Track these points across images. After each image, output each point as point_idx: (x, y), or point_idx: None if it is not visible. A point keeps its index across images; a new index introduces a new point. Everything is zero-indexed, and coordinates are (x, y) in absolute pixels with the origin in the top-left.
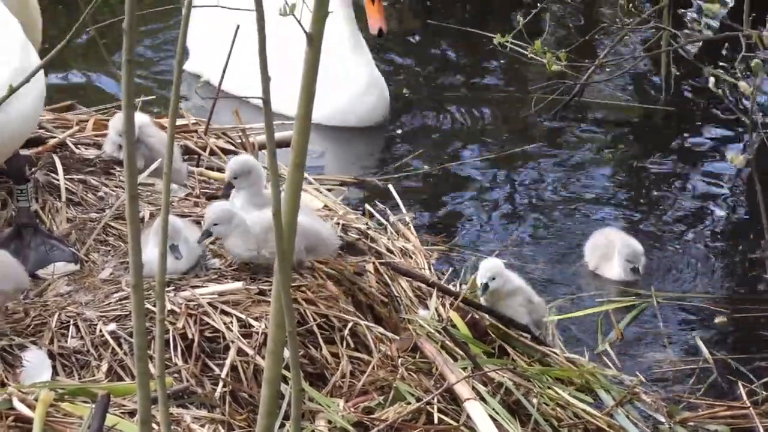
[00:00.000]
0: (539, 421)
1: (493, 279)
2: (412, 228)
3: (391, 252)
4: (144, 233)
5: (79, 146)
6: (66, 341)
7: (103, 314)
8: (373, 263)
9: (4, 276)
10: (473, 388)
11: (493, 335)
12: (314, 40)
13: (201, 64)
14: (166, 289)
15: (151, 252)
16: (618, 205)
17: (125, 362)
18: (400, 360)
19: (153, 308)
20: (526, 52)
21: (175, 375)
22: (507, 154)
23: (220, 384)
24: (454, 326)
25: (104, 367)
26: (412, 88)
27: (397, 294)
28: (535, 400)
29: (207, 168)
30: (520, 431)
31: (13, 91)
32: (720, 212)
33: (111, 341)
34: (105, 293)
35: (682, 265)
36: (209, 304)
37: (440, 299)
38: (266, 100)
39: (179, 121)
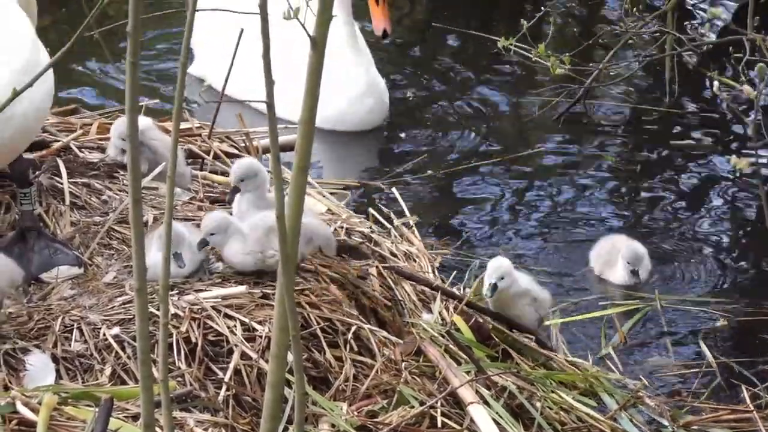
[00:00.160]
0: (542, 425)
1: (502, 279)
2: (415, 231)
3: (395, 255)
4: (147, 237)
5: (83, 150)
6: (69, 345)
7: (107, 318)
8: (377, 267)
9: None
10: (477, 391)
11: (496, 339)
12: (318, 43)
13: (205, 67)
14: (170, 292)
15: (154, 256)
16: (622, 208)
17: (128, 366)
18: (403, 364)
19: (156, 312)
20: (530, 56)
21: (179, 379)
22: (511, 158)
23: (224, 388)
24: (457, 330)
25: (107, 370)
26: (416, 92)
27: (400, 298)
28: (538, 404)
29: (211, 172)
30: None
31: (17, 94)
32: (724, 216)
33: (114, 345)
34: (109, 297)
35: (686, 269)
36: (213, 307)
37: (444, 303)
38: (270, 104)
39: (183, 125)
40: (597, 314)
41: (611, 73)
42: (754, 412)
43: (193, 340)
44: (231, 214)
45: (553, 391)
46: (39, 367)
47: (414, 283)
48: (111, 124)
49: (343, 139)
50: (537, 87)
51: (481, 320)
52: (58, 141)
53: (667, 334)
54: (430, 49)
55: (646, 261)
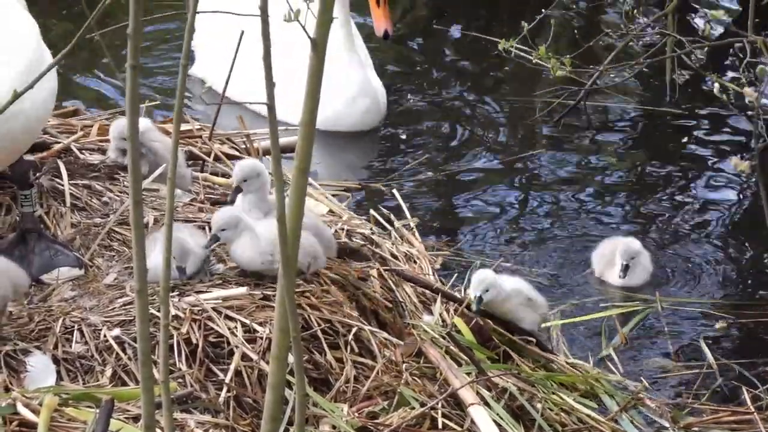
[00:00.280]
0: (543, 427)
1: (487, 291)
2: (416, 233)
3: (396, 257)
4: (148, 239)
5: (83, 151)
6: (70, 346)
7: (108, 319)
8: (378, 269)
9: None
10: (477, 393)
11: (497, 341)
12: (319, 45)
13: (205, 69)
14: (171, 294)
15: (156, 258)
16: (622, 209)
17: (129, 367)
18: (404, 365)
19: (157, 313)
20: (530, 58)
21: (179, 380)
22: (512, 159)
23: (224, 389)
24: (458, 331)
25: (108, 372)
26: (417, 93)
27: (401, 299)
28: (539, 406)
29: (211, 173)
30: None
31: (17, 96)
32: (725, 217)
33: (115, 346)
34: (109, 298)
35: (687, 270)
36: (213, 309)
37: (444, 304)
38: (271, 106)
39: (183, 127)
40: (598, 316)
41: (611, 75)
42: (755, 413)
43: (194, 341)
44: None
45: (553, 393)
46: (40, 369)
47: (415, 285)
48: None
49: (341, 141)
50: (538, 89)
51: (482, 322)
52: (59, 143)
53: (667, 335)
54: (431, 51)
55: (643, 260)
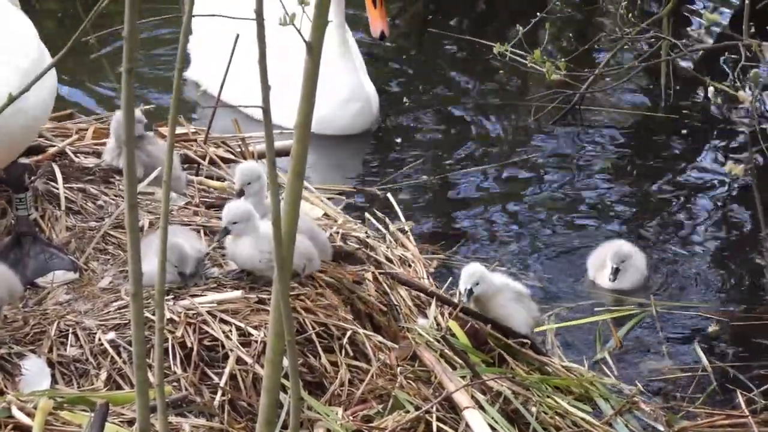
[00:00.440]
0: (538, 430)
1: (477, 284)
2: (411, 237)
3: (390, 261)
4: (143, 242)
5: (78, 155)
6: (65, 350)
7: (103, 323)
8: (372, 272)
9: None
10: (472, 396)
11: (492, 344)
12: (314, 48)
13: (200, 72)
14: (165, 297)
15: (150, 262)
16: (617, 213)
17: (124, 371)
18: (399, 369)
19: (152, 317)
20: (525, 62)
21: (174, 384)
22: (507, 163)
23: (219, 393)
24: (453, 335)
25: (103, 375)
26: (412, 97)
27: (396, 303)
28: (534, 409)
29: (206, 177)
30: None
31: (12, 99)
32: (719, 221)
33: (110, 350)
34: (104, 302)
35: (681, 274)
36: (208, 312)
37: (439, 308)
38: (266, 109)
39: (179, 130)
40: (592, 319)
41: (607, 79)
42: (750, 417)
43: (189, 344)
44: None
45: (548, 396)
46: (34, 372)
47: (409, 288)
48: (107, 129)
49: (335, 145)
50: (532, 92)
51: (477, 326)
52: (54, 146)
53: (662, 339)
54: (425, 54)
55: (637, 263)
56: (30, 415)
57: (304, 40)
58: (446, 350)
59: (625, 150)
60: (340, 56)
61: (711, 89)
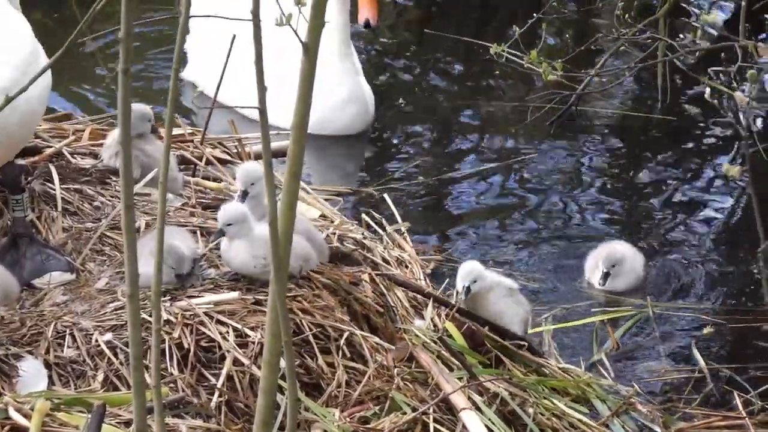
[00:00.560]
0: None
1: (474, 282)
2: (407, 238)
3: (387, 262)
4: (140, 243)
5: (75, 156)
6: (62, 351)
7: (99, 324)
8: (369, 273)
9: None
10: (469, 398)
11: (489, 345)
12: (310, 49)
13: (197, 73)
14: (162, 298)
15: (147, 263)
16: (614, 214)
17: (121, 372)
18: (395, 370)
19: (149, 318)
20: (522, 62)
21: (171, 385)
22: (504, 164)
23: (216, 394)
24: (449, 336)
25: (100, 376)
26: (409, 98)
27: (392, 304)
28: (531, 410)
29: (203, 178)
30: None
31: (9, 100)
32: (716, 223)
33: (107, 351)
34: (101, 303)
35: (678, 276)
36: (205, 313)
37: (436, 309)
38: (262, 110)
39: (175, 131)
40: (589, 320)
41: (603, 80)
42: (746, 418)
43: (186, 346)
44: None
45: (545, 398)
46: (31, 373)
47: (406, 289)
48: (103, 130)
49: (332, 145)
50: (529, 93)
51: (474, 327)
52: (51, 147)
53: (659, 340)
54: (422, 55)
55: (633, 264)
56: (27, 416)
57: (301, 41)
58: (443, 351)
59: (621, 151)
60: (339, 56)
61: (707, 90)
